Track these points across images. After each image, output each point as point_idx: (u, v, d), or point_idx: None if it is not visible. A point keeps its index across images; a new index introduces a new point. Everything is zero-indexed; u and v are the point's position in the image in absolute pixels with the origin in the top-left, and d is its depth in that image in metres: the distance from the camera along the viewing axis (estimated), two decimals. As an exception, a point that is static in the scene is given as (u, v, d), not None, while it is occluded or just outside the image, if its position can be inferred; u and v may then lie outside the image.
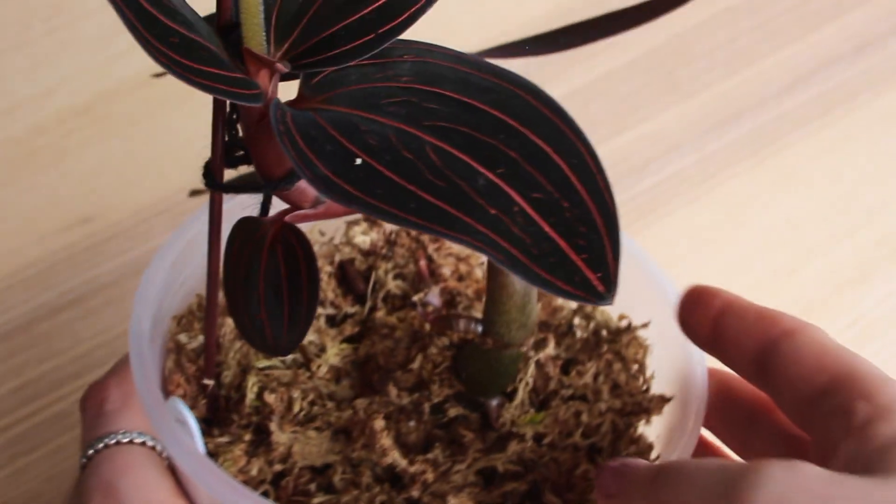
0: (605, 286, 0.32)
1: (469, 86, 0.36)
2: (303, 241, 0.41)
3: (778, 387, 0.41)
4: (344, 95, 0.36)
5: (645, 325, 0.51)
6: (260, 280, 0.41)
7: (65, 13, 0.82)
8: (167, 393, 0.47)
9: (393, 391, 0.47)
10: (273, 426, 0.46)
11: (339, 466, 0.46)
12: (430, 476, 0.45)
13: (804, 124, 0.78)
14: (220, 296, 0.45)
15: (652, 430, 0.49)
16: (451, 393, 0.47)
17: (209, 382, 0.48)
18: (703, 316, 0.44)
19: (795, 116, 0.79)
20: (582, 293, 0.32)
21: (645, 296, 0.51)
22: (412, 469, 0.45)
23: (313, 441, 0.46)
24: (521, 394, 0.48)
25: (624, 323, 0.51)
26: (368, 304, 0.52)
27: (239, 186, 0.41)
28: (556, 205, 0.33)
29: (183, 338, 0.49)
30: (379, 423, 0.46)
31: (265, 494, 0.46)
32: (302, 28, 0.37)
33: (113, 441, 0.45)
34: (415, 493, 0.45)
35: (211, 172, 0.40)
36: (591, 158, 0.34)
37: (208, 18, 0.38)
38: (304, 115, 0.35)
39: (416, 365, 0.48)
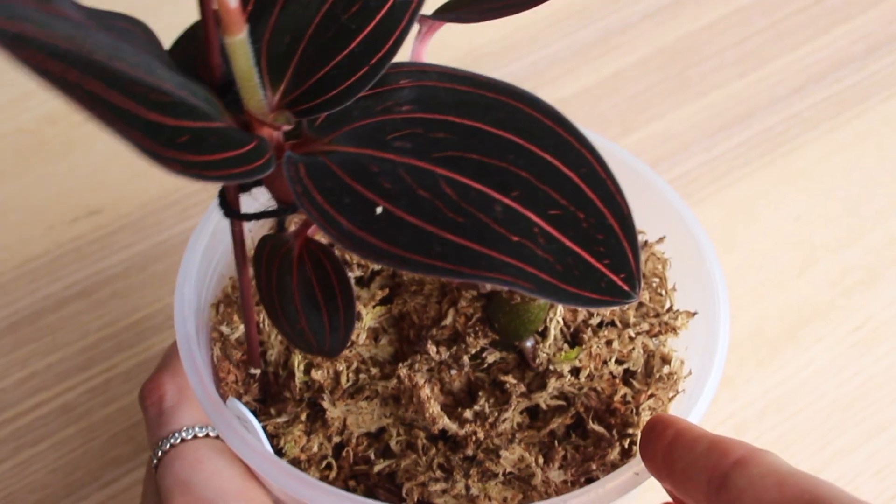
0: (630, 285, 0.33)
1: (469, 106, 0.36)
2: (328, 253, 0.42)
3: None
4: (349, 134, 0.37)
5: (660, 241, 0.53)
6: (294, 293, 0.42)
7: (75, 5, 0.82)
8: (218, 380, 0.49)
9: (432, 349, 0.49)
10: (326, 403, 0.48)
11: (393, 429, 0.48)
12: (480, 434, 0.47)
13: (814, 126, 0.78)
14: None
15: (680, 342, 0.51)
16: (487, 342, 0.49)
17: (256, 371, 0.49)
18: (657, 447, 0.43)
19: (806, 118, 0.79)
20: (609, 297, 0.33)
21: (656, 212, 0.53)
22: (462, 432, 0.47)
23: (365, 410, 0.48)
24: (553, 331, 0.49)
25: (640, 239, 0.52)
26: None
27: (257, 215, 0.41)
28: (573, 217, 0.34)
29: (225, 329, 0.50)
30: (425, 392, 0.47)
31: (328, 467, 0.48)
32: (293, 70, 0.37)
33: (178, 440, 0.47)
34: (469, 452, 0.47)
35: (227, 202, 0.41)
36: (598, 164, 0.35)
37: (185, 42, 0.39)
38: (315, 162, 0.35)
39: (448, 320, 0.49)
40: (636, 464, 0.45)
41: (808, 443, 0.63)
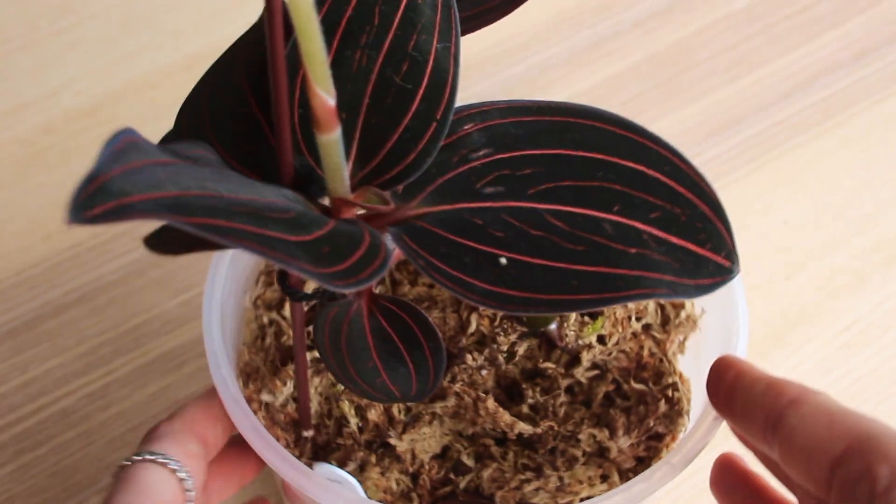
0: (731, 261, 0.36)
1: (542, 135, 0.37)
2: (403, 304, 0.42)
3: (792, 457, 0.40)
4: (436, 193, 0.36)
5: None
6: (371, 351, 0.41)
7: (72, 14, 0.83)
8: None
9: (468, 358, 0.49)
10: (394, 440, 0.49)
11: (457, 444, 0.49)
12: (556, 427, 0.48)
13: (803, 131, 0.79)
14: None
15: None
16: (516, 336, 0.50)
17: (309, 433, 0.50)
18: (719, 387, 0.44)
19: (794, 123, 0.79)
20: (719, 278, 0.35)
21: None
22: (540, 430, 0.48)
23: (428, 435, 0.49)
24: None
25: None
26: (388, 280, 0.53)
27: (317, 295, 0.41)
28: (671, 215, 0.35)
29: (267, 397, 0.50)
30: (491, 404, 0.48)
31: (409, 500, 0.49)
32: (358, 145, 0.37)
33: (140, 458, 0.46)
34: (550, 445, 0.48)
35: (286, 282, 0.40)
36: (677, 158, 0.36)
37: (188, 113, 0.38)
38: (416, 229, 0.35)
39: (474, 327, 0.50)
40: (707, 416, 0.46)
41: (796, 444, 0.63)
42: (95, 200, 0.26)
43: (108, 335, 0.67)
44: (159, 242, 0.47)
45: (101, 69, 0.80)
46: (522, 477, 0.48)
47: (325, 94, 0.32)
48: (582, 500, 0.48)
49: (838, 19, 0.86)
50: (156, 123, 0.77)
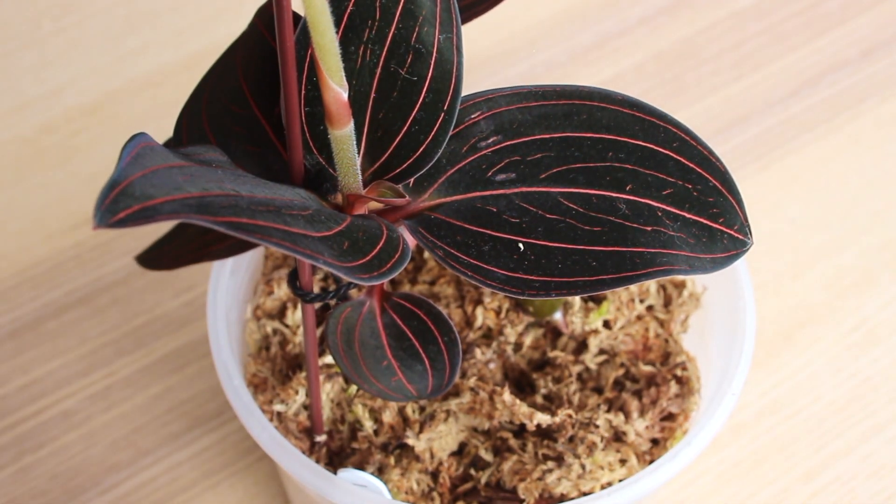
0: (743, 234, 0.36)
1: (550, 119, 0.37)
2: (416, 300, 0.42)
3: None
4: (447, 184, 0.37)
5: None
6: (386, 350, 0.42)
7: (74, 12, 0.83)
8: None
9: (478, 352, 0.50)
10: (412, 440, 0.49)
11: (473, 440, 0.50)
12: (574, 415, 0.49)
13: (810, 129, 0.78)
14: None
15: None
16: (523, 327, 0.50)
17: (322, 438, 0.50)
18: None
19: (801, 121, 0.79)
20: (733, 252, 0.36)
21: None
22: (558, 420, 0.48)
23: (445, 432, 0.49)
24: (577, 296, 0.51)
25: None
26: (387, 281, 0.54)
27: (330, 294, 0.41)
28: (683, 190, 0.36)
29: (280, 407, 0.50)
30: (508, 397, 0.48)
31: (431, 499, 0.49)
32: (367, 140, 0.37)
33: None
34: (570, 433, 0.49)
35: (297, 283, 0.41)
36: (686, 134, 0.36)
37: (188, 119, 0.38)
38: (431, 221, 0.36)
39: (480, 321, 0.51)
40: (723, 392, 0.47)
41: (804, 444, 0.63)
42: (120, 205, 0.27)
43: (109, 336, 0.67)
44: (151, 259, 0.47)
45: (103, 68, 0.80)
46: (544, 467, 0.48)
47: (338, 88, 0.32)
48: (603, 486, 0.48)
49: (846, 16, 0.85)
50: (158, 122, 0.77)
